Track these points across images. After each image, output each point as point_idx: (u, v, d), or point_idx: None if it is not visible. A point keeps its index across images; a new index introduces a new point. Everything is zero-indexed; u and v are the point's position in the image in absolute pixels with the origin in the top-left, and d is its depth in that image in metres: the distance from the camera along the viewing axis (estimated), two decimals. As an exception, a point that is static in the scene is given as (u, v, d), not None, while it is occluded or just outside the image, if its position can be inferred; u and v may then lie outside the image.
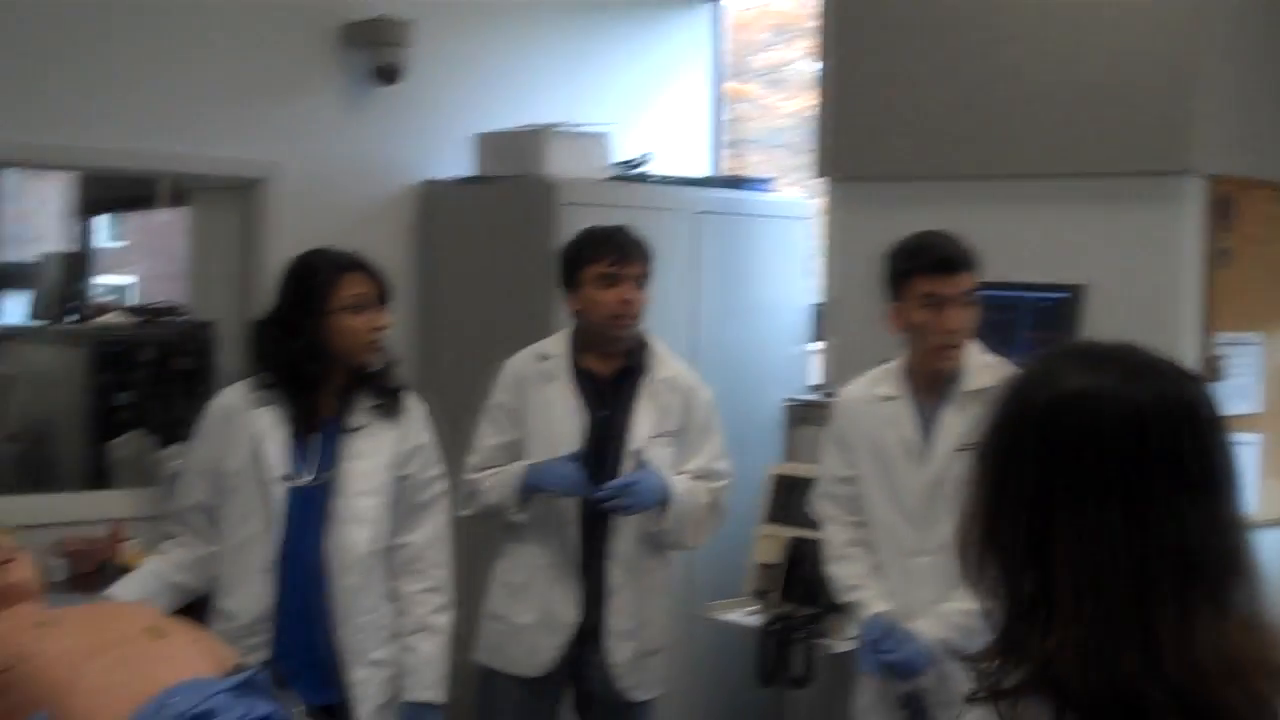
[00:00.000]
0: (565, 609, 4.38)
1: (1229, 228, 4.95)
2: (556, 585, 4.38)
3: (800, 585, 4.84)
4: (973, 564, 1.76)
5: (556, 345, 4.46)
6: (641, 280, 4.38)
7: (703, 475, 4.47)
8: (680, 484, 4.37)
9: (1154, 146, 4.91)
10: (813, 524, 4.47)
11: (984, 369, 3.99)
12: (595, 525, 4.38)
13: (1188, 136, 4.87)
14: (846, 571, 4.19)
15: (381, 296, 3.98)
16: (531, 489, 4.31)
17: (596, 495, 4.25)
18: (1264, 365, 5.06)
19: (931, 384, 4.07)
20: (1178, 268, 4.89)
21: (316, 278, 3.92)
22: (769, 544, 4.98)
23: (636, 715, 4.56)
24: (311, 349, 3.90)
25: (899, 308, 4.02)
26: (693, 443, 4.48)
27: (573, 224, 4.68)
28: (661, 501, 4.31)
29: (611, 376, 4.44)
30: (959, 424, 3.93)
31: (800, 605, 4.80)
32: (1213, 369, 4.80)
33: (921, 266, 3.96)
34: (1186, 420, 1.69)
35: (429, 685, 3.98)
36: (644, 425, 4.39)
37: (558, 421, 4.37)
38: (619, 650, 4.42)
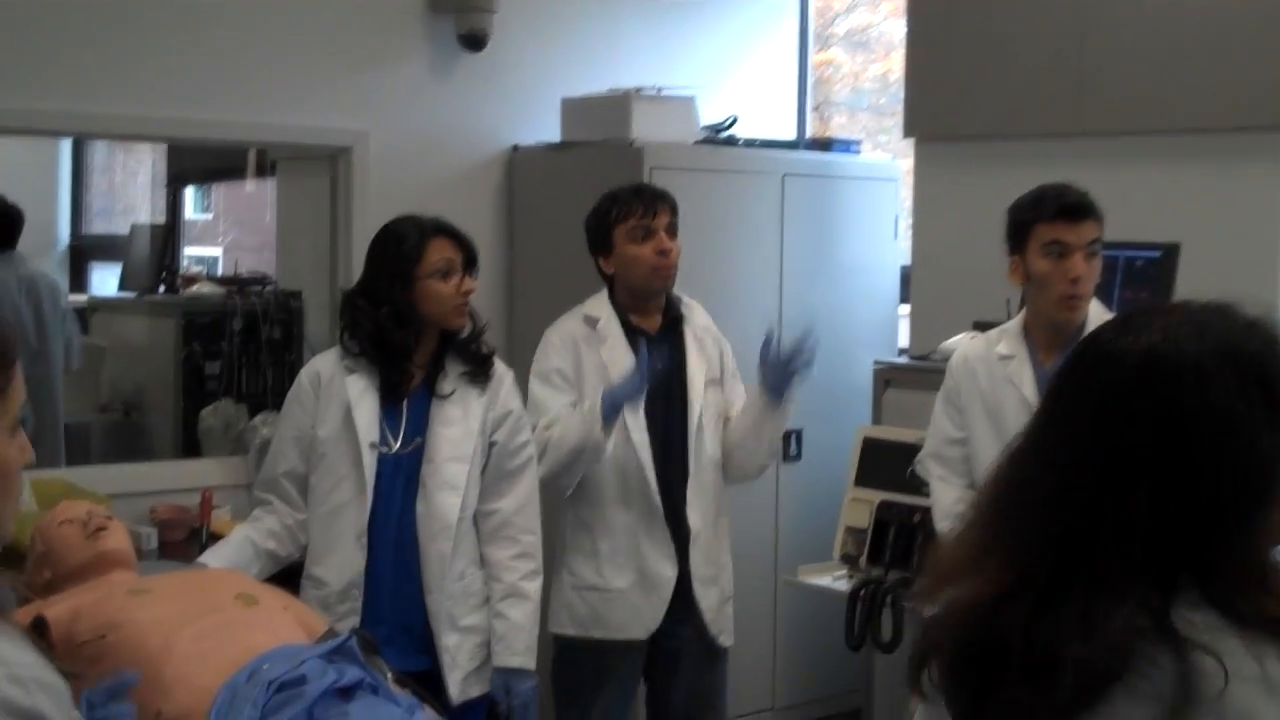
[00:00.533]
0: (662, 564, 4.38)
1: (1328, 183, 4.87)
2: (647, 541, 4.37)
3: (888, 549, 4.80)
4: None
5: (599, 308, 4.46)
6: (671, 229, 4.38)
7: None
8: None
9: (1251, 101, 4.83)
10: (903, 486, 4.42)
11: None
12: (673, 475, 4.40)
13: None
14: None
15: (468, 261, 3.97)
16: (612, 409, 4.23)
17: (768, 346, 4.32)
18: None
19: (1051, 341, 4.00)
20: (1275, 224, 4.81)
21: (403, 244, 3.91)
22: (857, 507, 4.94)
23: (720, 662, 4.58)
24: (400, 315, 3.89)
25: (1021, 259, 3.95)
26: (728, 388, 4.56)
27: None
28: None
29: (657, 332, 4.45)
30: None
31: (889, 569, 4.76)
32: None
33: (1045, 214, 3.89)
34: (1144, 380, 1.66)
35: (519, 651, 3.97)
36: (699, 373, 4.44)
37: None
38: (706, 596, 4.44)
